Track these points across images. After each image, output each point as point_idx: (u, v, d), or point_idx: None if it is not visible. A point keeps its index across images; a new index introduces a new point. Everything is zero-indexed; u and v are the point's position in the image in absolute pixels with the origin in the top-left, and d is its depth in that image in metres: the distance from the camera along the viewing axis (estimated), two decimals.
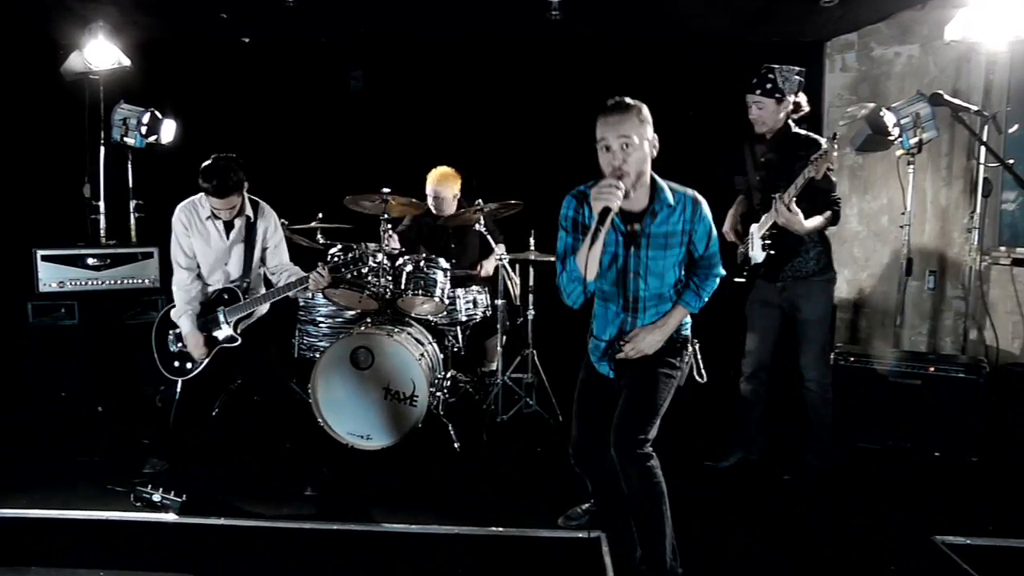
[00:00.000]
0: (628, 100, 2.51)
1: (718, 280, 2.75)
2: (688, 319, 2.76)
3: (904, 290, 4.40)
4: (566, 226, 2.62)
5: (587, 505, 3.28)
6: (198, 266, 3.71)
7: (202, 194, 3.58)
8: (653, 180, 2.58)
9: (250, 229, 3.72)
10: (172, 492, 3.39)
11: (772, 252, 3.63)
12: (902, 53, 5.09)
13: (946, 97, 3.54)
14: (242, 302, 3.67)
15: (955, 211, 4.81)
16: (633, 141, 2.44)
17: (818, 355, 3.72)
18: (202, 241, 3.67)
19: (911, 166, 4.27)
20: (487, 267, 4.90)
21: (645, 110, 2.53)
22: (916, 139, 4.12)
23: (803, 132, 3.63)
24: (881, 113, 4.23)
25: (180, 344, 3.74)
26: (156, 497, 3.38)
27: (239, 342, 3.68)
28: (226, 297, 3.70)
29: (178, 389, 3.84)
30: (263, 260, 3.83)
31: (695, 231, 2.63)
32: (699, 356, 2.80)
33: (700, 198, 2.63)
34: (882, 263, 5.29)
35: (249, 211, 3.70)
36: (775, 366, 3.85)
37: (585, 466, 2.86)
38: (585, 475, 2.91)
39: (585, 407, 2.82)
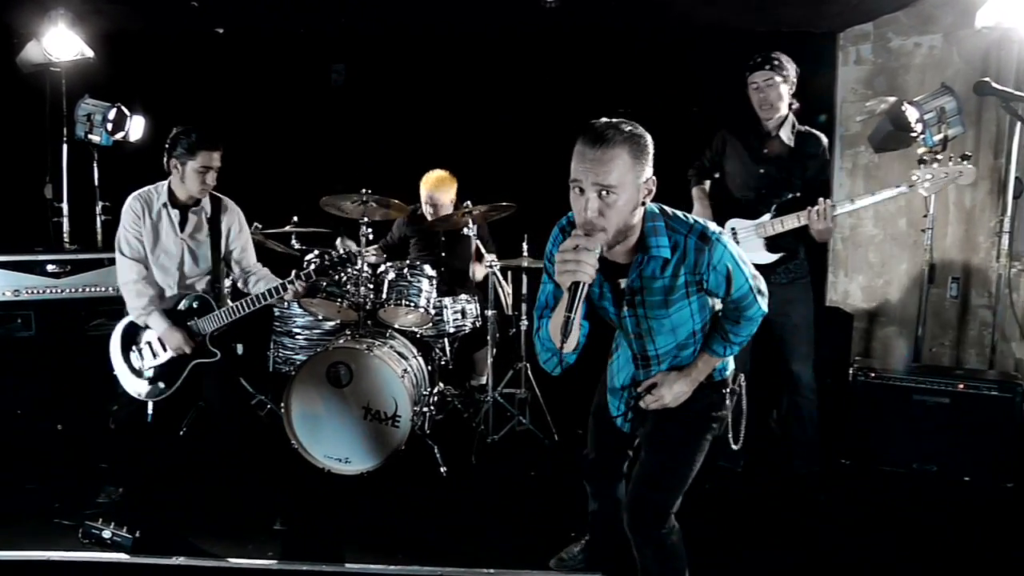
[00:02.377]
0: (621, 128, 1.85)
1: (757, 322, 2.19)
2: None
3: (926, 299, 4.09)
4: (549, 269, 2.07)
5: (582, 544, 2.93)
6: (146, 262, 3.36)
7: (157, 184, 3.32)
8: (645, 218, 2.00)
9: (213, 226, 3.37)
10: (124, 527, 3.06)
11: (784, 254, 3.46)
12: (922, 44, 4.76)
13: (994, 85, 3.24)
14: (216, 312, 3.31)
15: (981, 214, 4.50)
16: (616, 190, 1.83)
17: (809, 359, 3.58)
18: (153, 237, 3.33)
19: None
20: (477, 272, 4.56)
21: (643, 141, 1.88)
22: (940, 136, 3.87)
23: (806, 127, 3.52)
24: (903, 108, 3.97)
25: (148, 361, 3.38)
26: (106, 533, 3.05)
27: (219, 356, 3.34)
28: (196, 307, 3.35)
29: (149, 411, 3.48)
30: (228, 264, 3.50)
31: (706, 279, 2.02)
32: (744, 403, 2.27)
33: (711, 235, 1.98)
34: (900, 269, 4.96)
35: (207, 205, 3.36)
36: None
37: (595, 486, 2.55)
38: (591, 492, 2.60)
39: (601, 435, 2.48)
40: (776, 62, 3.39)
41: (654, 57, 5.29)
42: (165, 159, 3.28)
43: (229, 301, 3.47)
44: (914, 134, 3.93)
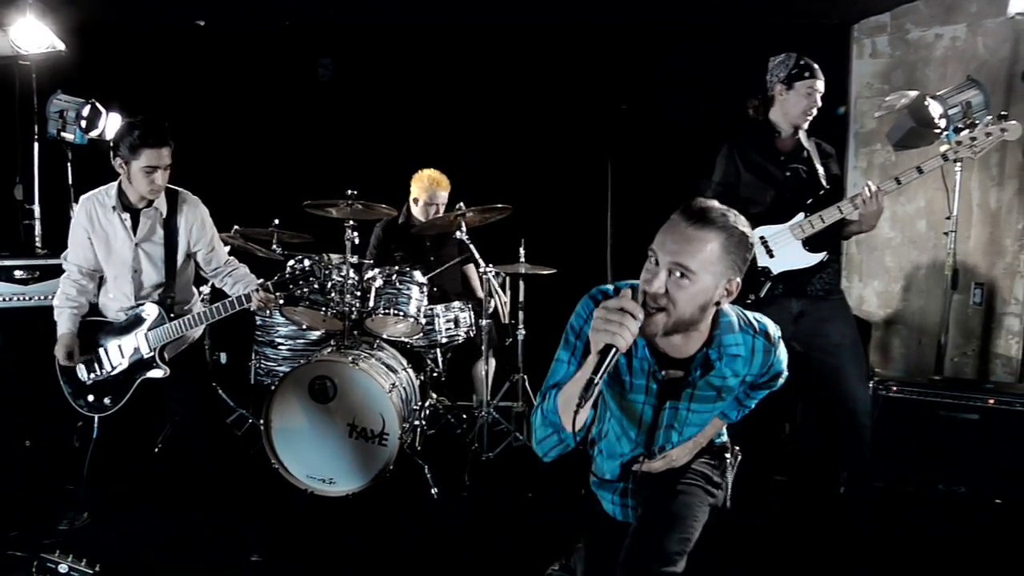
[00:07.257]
0: (727, 214, 1.70)
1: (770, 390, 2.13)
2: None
3: (949, 306, 3.84)
4: (571, 342, 1.84)
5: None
6: (96, 272, 3.16)
7: (109, 185, 3.06)
8: (718, 314, 1.85)
9: (168, 227, 3.08)
10: (84, 560, 2.79)
11: (827, 252, 3.18)
12: (944, 35, 4.49)
13: None
14: (168, 324, 3.03)
15: (1008, 215, 4.23)
16: (694, 275, 1.67)
17: (863, 380, 3.33)
18: (105, 243, 3.07)
19: (957, 164, 3.71)
20: (474, 280, 4.31)
21: (742, 239, 1.71)
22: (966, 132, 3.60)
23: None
24: (925, 102, 3.74)
25: (93, 374, 3.13)
26: (63, 568, 2.78)
27: (168, 373, 3.07)
28: (147, 317, 3.08)
29: (95, 427, 3.23)
30: (197, 265, 3.24)
31: (758, 379, 1.97)
32: (734, 470, 2.16)
33: (773, 335, 1.91)
34: (919, 274, 4.70)
35: (163, 205, 3.07)
36: None
37: None
38: None
39: (596, 558, 2.15)
40: (818, 69, 3.20)
41: (657, 50, 5.04)
42: (111, 157, 3.00)
43: (200, 305, 3.24)
44: (937, 131, 3.72)
